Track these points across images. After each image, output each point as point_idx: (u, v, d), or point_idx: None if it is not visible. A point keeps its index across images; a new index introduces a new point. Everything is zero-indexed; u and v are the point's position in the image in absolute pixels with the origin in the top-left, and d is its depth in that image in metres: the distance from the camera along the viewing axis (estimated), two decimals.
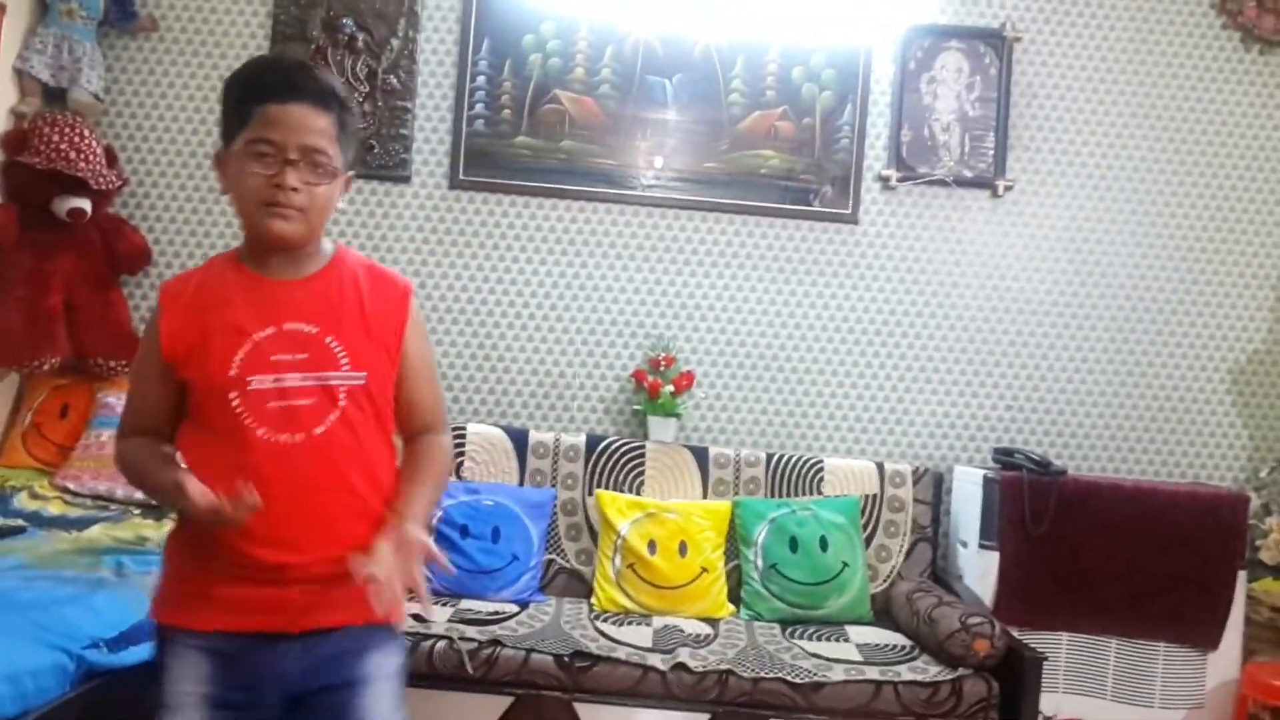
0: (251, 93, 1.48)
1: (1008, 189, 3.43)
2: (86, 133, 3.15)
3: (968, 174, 3.43)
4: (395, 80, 3.42)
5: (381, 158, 3.42)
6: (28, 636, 1.77)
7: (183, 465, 1.48)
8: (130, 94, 3.43)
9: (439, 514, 2.94)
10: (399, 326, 1.58)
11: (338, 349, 1.51)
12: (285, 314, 1.50)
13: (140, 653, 1.96)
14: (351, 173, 1.60)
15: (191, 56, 3.44)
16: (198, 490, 1.37)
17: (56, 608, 1.93)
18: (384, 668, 1.55)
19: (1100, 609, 2.93)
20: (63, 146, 3.07)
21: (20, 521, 2.63)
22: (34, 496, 2.85)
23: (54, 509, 2.80)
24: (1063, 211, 3.46)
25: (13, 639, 1.75)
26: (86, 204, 3.11)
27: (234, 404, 1.45)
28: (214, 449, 1.48)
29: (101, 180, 3.14)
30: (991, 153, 3.42)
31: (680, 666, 2.53)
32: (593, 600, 2.98)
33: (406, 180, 3.42)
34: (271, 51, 3.39)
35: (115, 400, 3.15)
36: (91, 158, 3.12)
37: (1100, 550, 2.94)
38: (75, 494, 2.95)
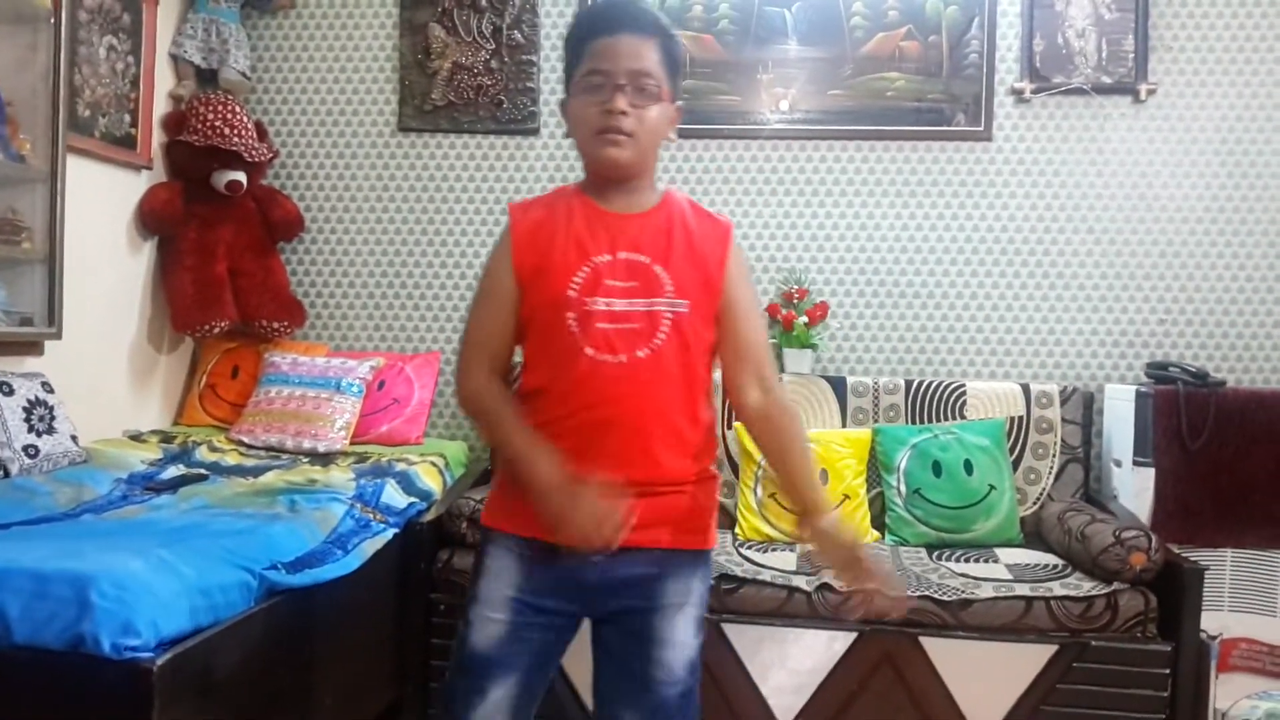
0: (583, 33, 1.61)
1: (1151, 93, 3.27)
2: (238, 109, 3.35)
3: (1107, 80, 3.28)
4: (519, 35, 3.50)
5: (510, 112, 3.52)
6: (217, 558, 1.94)
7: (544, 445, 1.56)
8: (275, 70, 3.63)
9: None
10: (721, 259, 1.64)
11: (664, 277, 1.58)
12: (621, 243, 1.60)
13: (314, 575, 2.12)
14: (680, 103, 1.66)
15: (328, 30, 3.60)
16: (565, 495, 1.49)
17: (239, 536, 2.09)
18: (689, 593, 1.64)
19: (1267, 522, 2.81)
20: (217, 124, 3.27)
21: (203, 470, 2.85)
22: (213, 450, 3.07)
23: (231, 459, 3.02)
24: (1212, 113, 3.28)
25: (205, 559, 1.91)
26: (242, 176, 3.32)
27: (569, 323, 1.55)
28: (545, 368, 1.59)
29: (254, 153, 3.33)
30: (1132, 56, 3.27)
31: (825, 587, 2.55)
32: (736, 530, 3.02)
33: (535, 133, 3.51)
34: (413, 14, 3.54)
35: (280, 359, 3.36)
36: (244, 133, 3.32)
37: (1265, 462, 2.81)
38: (249, 446, 3.16)
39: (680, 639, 1.62)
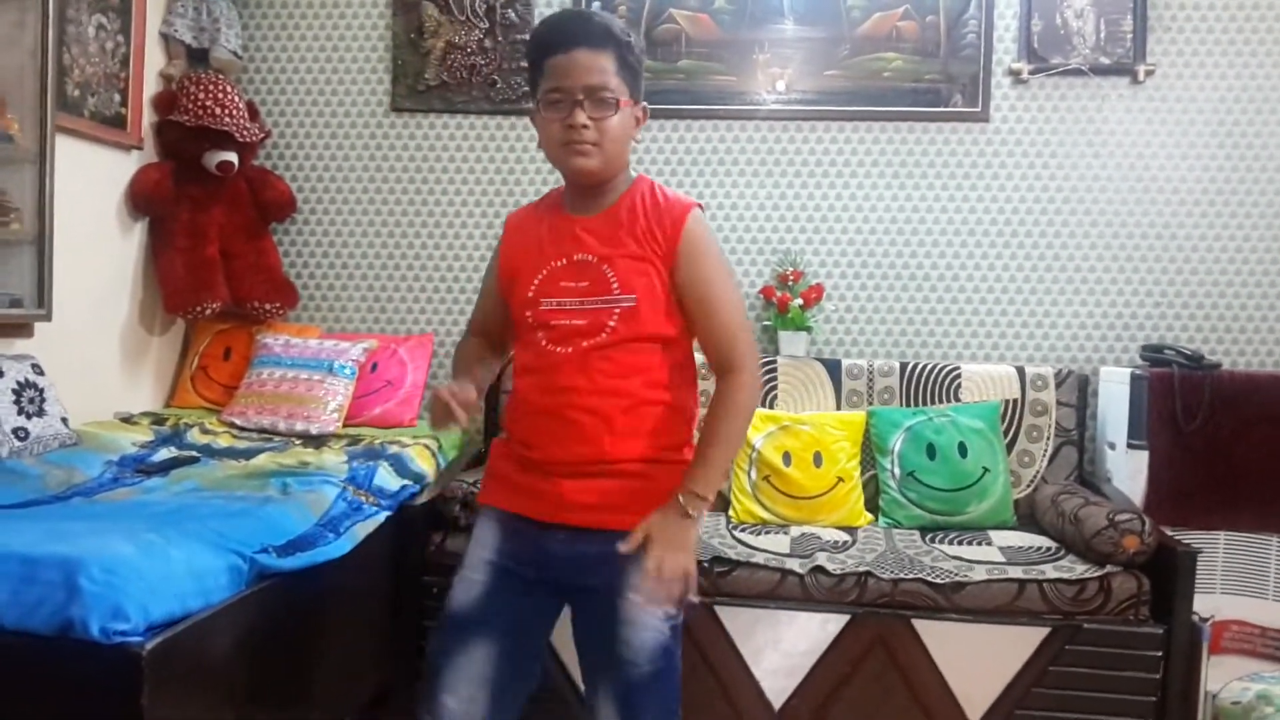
0: (540, 50, 1.71)
1: (1149, 74, 3.25)
2: (229, 89, 3.31)
3: (1105, 61, 3.26)
4: (513, 14, 3.47)
5: (504, 92, 3.49)
6: (207, 542, 1.93)
7: (479, 371, 1.85)
8: (266, 50, 3.59)
9: None
10: (671, 250, 1.71)
11: (610, 275, 1.70)
12: (576, 247, 1.74)
13: (305, 558, 2.11)
14: (644, 103, 1.77)
15: (320, 9, 3.57)
16: (445, 392, 1.70)
17: (230, 519, 2.08)
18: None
19: (1260, 505, 2.81)
20: (208, 103, 3.24)
21: (194, 453, 2.83)
22: (204, 432, 3.06)
23: (223, 442, 3.00)
24: (1210, 94, 3.26)
25: (195, 543, 1.90)
26: (234, 157, 3.29)
27: (529, 319, 1.75)
28: (519, 359, 1.80)
29: (246, 133, 3.30)
30: (1130, 36, 3.24)
31: (818, 569, 2.55)
32: (730, 513, 3.02)
33: (529, 113, 3.47)
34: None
35: (273, 341, 3.34)
36: (235, 112, 3.29)
37: (1259, 445, 2.80)
38: (241, 428, 3.15)
39: (645, 620, 1.67)
